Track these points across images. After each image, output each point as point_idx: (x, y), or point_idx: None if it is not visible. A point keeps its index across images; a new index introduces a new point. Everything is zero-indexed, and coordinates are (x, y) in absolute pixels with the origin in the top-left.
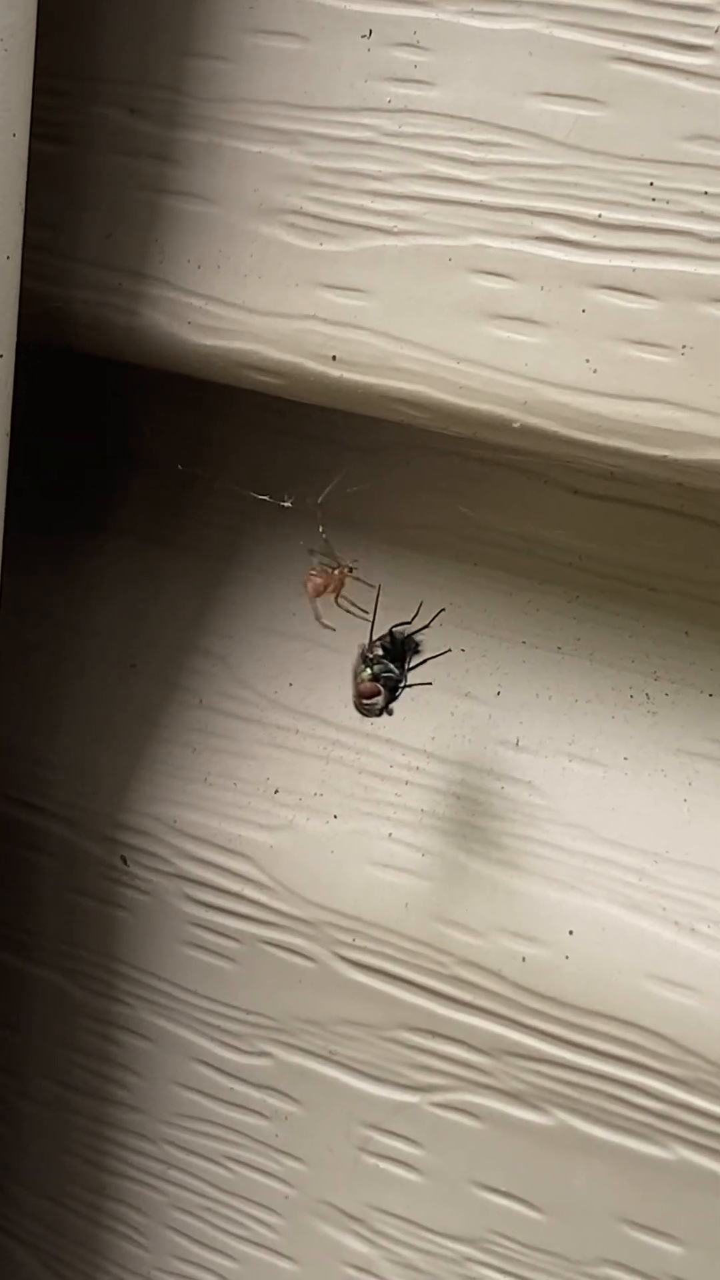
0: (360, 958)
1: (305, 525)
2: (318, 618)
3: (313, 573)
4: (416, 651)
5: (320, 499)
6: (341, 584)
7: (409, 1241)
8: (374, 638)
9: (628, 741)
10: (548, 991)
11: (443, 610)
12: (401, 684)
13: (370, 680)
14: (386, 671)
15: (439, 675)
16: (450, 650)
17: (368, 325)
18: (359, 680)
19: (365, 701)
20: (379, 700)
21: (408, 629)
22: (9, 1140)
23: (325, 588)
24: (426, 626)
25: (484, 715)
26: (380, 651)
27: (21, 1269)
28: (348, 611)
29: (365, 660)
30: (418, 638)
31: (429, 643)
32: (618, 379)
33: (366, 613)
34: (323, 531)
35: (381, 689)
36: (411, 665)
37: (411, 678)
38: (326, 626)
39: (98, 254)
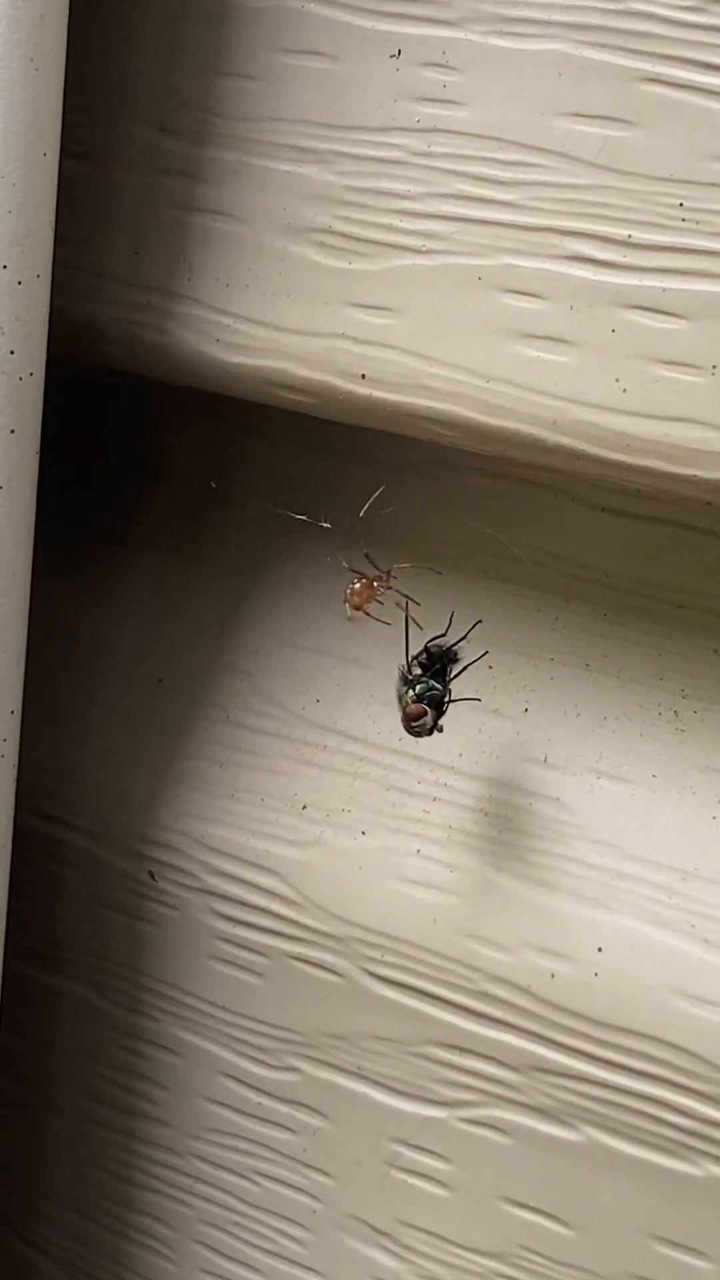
0: (389, 973)
1: (332, 541)
2: (368, 614)
3: (354, 584)
4: (455, 661)
5: (361, 513)
6: (382, 592)
7: (437, 1256)
8: (410, 655)
9: (656, 759)
10: (576, 1008)
11: (479, 623)
12: (447, 699)
13: (415, 701)
14: (430, 690)
15: (467, 691)
16: (488, 652)
17: (397, 344)
18: (404, 703)
19: (414, 724)
20: (427, 720)
21: (444, 642)
22: (37, 1154)
23: (368, 598)
24: (463, 639)
25: (512, 732)
26: (419, 670)
27: None
28: (379, 620)
29: (406, 681)
30: (455, 648)
31: (463, 656)
32: (647, 398)
33: (399, 624)
34: (364, 548)
35: (428, 709)
36: (452, 676)
37: (457, 692)
38: (380, 620)
39: (126, 272)
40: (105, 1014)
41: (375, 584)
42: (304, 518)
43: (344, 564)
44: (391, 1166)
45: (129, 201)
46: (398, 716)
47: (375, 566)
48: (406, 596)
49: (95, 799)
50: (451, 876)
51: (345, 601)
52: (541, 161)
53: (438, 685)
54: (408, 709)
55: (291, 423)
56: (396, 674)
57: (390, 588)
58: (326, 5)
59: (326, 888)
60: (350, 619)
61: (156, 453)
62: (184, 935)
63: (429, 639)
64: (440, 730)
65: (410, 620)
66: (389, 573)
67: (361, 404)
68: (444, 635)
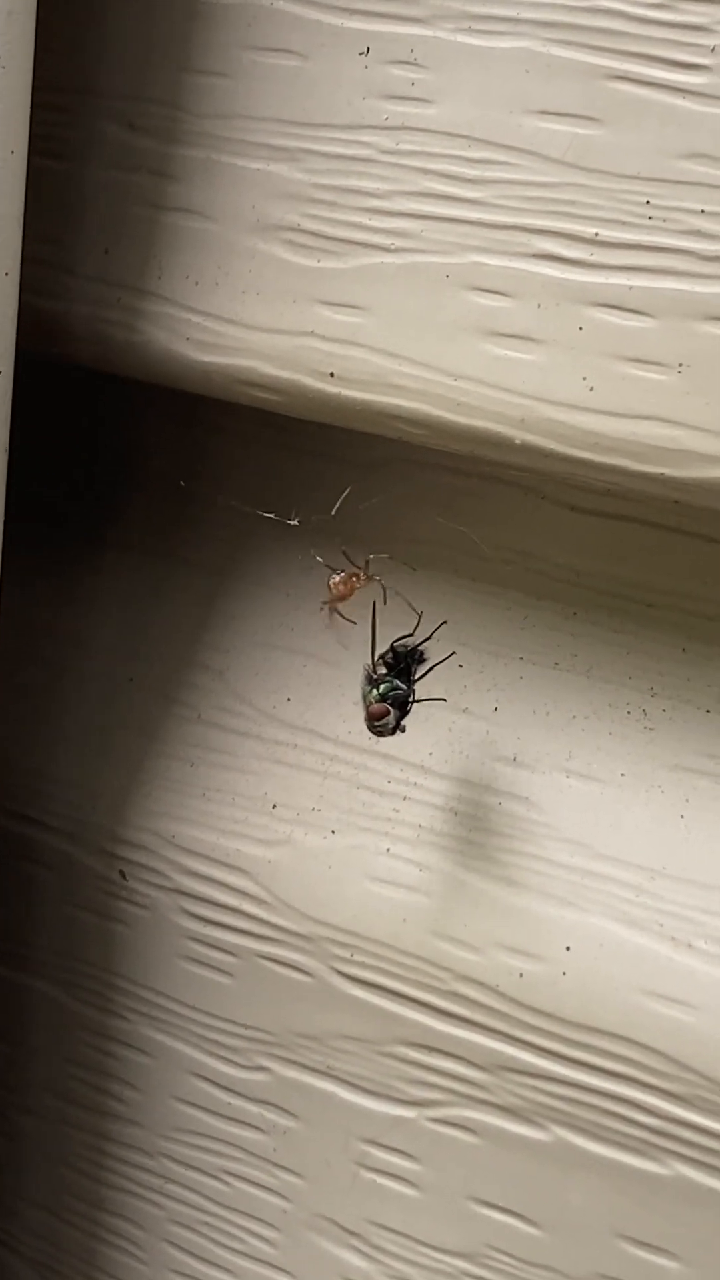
0: (358, 973)
1: (303, 540)
2: (340, 615)
3: (336, 579)
4: (421, 661)
5: (333, 512)
6: (360, 585)
7: (406, 1256)
8: (376, 655)
9: (625, 758)
10: (545, 1007)
11: (444, 623)
12: (411, 699)
13: (378, 700)
14: (394, 689)
15: (436, 690)
16: (455, 653)
17: (365, 342)
18: (368, 702)
19: (376, 724)
20: (389, 720)
21: (410, 641)
22: (7, 1154)
23: (347, 595)
24: (428, 639)
25: (481, 731)
26: (384, 669)
27: None
28: (346, 620)
29: (371, 681)
30: (421, 648)
31: (430, 656)
32: (615, 397)
33: (364, 624)
34: (340, 545)
35: (391, 709)
36: (417, 677)
37: (422, 693)
38: (348, 620)
39: (96, 270)
40: (76, 1013)
41: (354, 579)
42: (272, 516)
43: (318, 559)
44: (361, 1166)
45: (99, 199)
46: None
47: (351, 563)
48: (384, 586)
49: (67, 798)
50: (421, 876)
51: (326, 600)
52: (509, 159)
53: (402, 685)
54: (370, 708)
55: (264, 422)
56: (362, 673)
57: (371, 578)
58: (296, 3)
59: (296, 887)
60: (326, 617)
61: (130, 452)
62: (155, 935)
63: (395, 639)
64: (403, 730)
65: (377, 619)
66: (366, 564)
67: (330, 402)
68: (410, 635)
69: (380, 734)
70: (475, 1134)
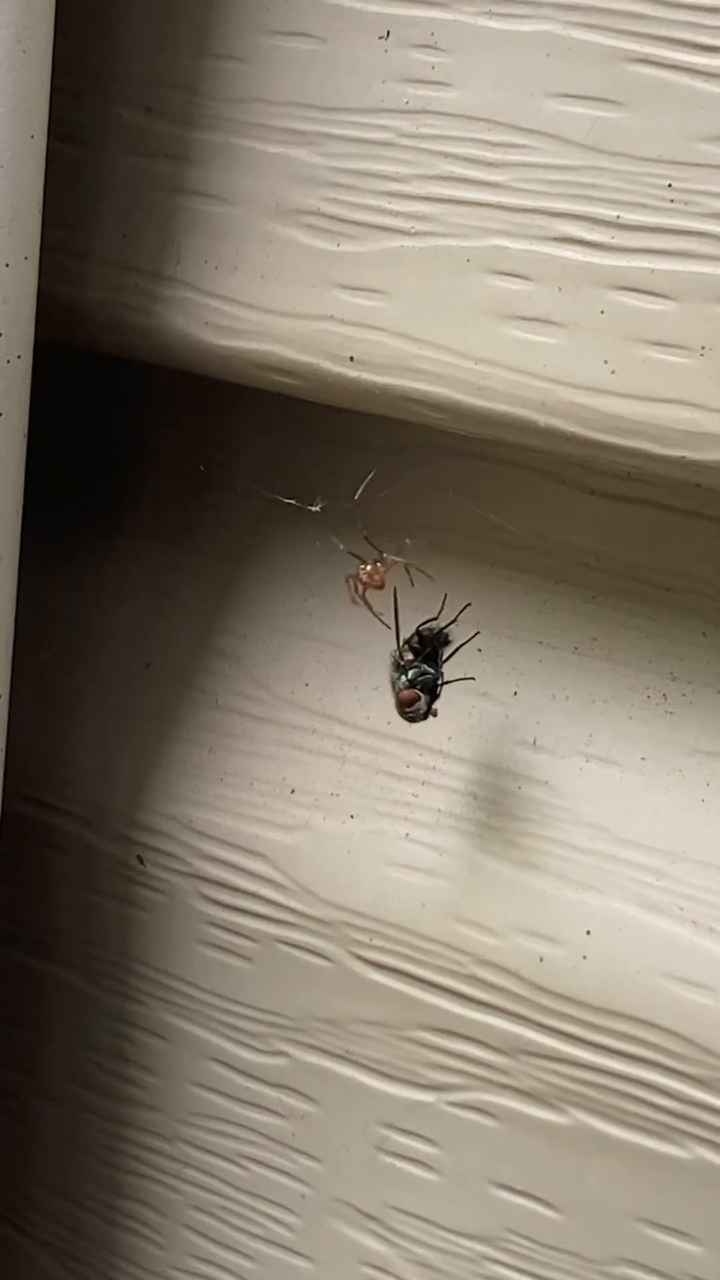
0: (377, 957)
1: (321, 525)
2: (368, 605)
3: (366, 570)
4: (446, 644)
5: (356, 497)
6: (386, 571)
7: (425, 1240)
8: (401, 640)
9: (645, 742)
10: (565, 991)
11: (468, 605)
12: (440, 682)
13: (408, 687)
14: (423, 674)
15: (458, 674)
16: (480, 633)
17: (385, 326)
18: (397, 689)
19: (409, 710)
20: (421, 705)
21: (435, 625)
22: (26, 1139)
23: (379, 584)
24: (453, 622)
25: (501, 715)
26: (410, 655)
27: (38, 1268)
28: (377, 616)
29: (399, 667)
30: (446, 631)
31: (455, 638)
32: (636, 380)
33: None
34: (363, 531)
35: (421, 694)
36: (444, 659)
37: (450, 674)
38: (378, 616)
39: (114, 254)
40: (94, 999)
41: (379, 566)
42: (294, 502)
43: (340, 547)
44: (380, 1150)
45: (117, 184)
46: (387, 700)
47: (375, 548)
48: (410, 569)
49: (84, 784)
50: (440, 860)
51: (352, 586)
52: (530, 143)
53: (430, 669)
54: (401, 694)
55: (282, 407)
56: (389, 660)
57: (398, 561)
58: None
59: (315, 872)
60: (353, 597)
61: (146, 438)
62: (173, 920)
63: (420, 623)
64: (434, 714)
65: (399, 604)
66: (384, 556)
67: (350, 386)
68: (435, 619)
69: (413, 719)
70: (494, 1118)
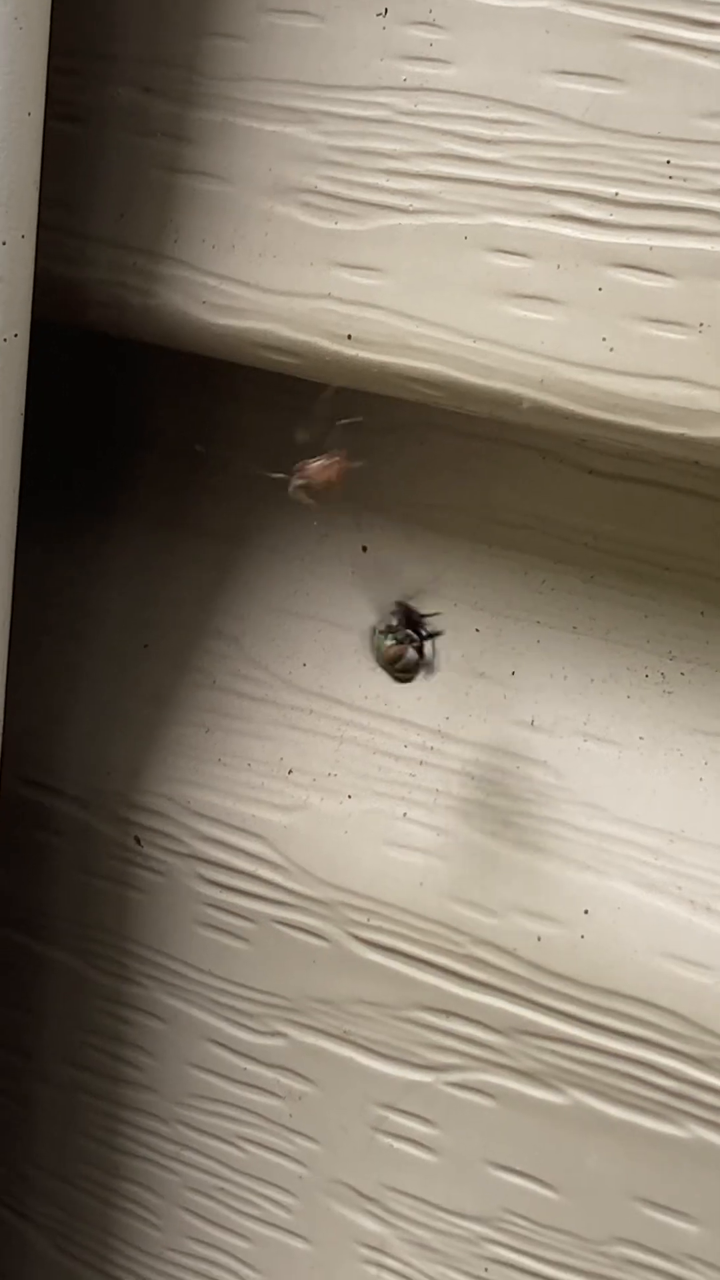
0: (375, 937)
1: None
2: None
3: (315, 465)
4: (424, 624)
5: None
6: (340, 475)
7: (423, 1221)
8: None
9: (643, 721)
10: (563, 971)
11: (439, 614)
12: (425, 633)
13: (394, 645)
14: (405, 634)
15: (454, 655)
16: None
17: (383, 304)
18: (383, 652)
19: (396, 666)
20: (409, 655)
21: (416, 606)
22: (22, 1121)
23: (335, 482)
24: (436, 614)
25: (499, 695)
26: (394, 622)
27: (34, 1251)
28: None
29: (380, 633)
30: (426, 618)
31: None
32: (635, 357)
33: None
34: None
35: (407, 647)
36: (426, 614)
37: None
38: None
39: (112, 233)
40: (91, 980)
41: (334, 462)
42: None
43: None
44: (377, 1131)
45: (115, 163)
46: (385, 680)
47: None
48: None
49: (81, 765)
50: (438, 840)
51: (298, 479)
52: (529, 120)
53: (413, 633)
54: (387, 653)
55: (280, 386)
56: (370, 634)
57: (348, 462)
58: None
59: (313, 852)
60: (303, 500)
61: (143, 420)
62: (170, 901)
63: (398, 599)
64: (427, 666)
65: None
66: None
67: (348, 364)
68: (412, 598)
69: (406, 675)
70: (492, 1098)
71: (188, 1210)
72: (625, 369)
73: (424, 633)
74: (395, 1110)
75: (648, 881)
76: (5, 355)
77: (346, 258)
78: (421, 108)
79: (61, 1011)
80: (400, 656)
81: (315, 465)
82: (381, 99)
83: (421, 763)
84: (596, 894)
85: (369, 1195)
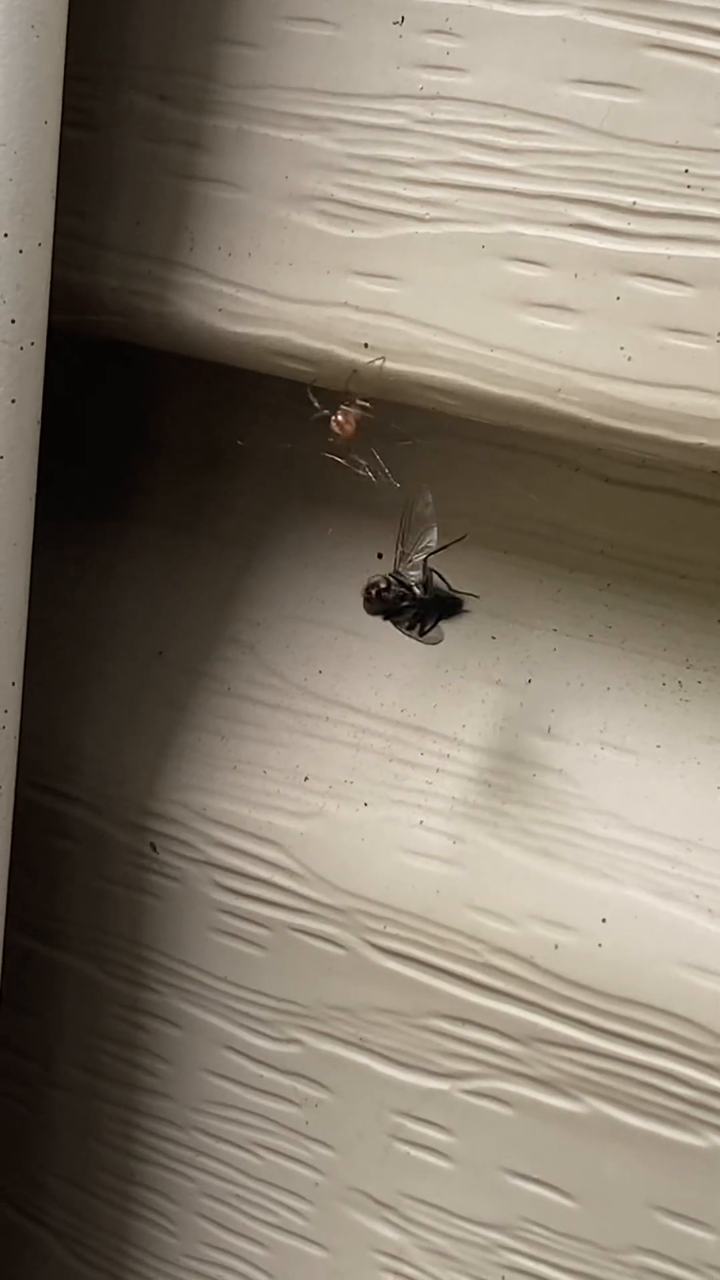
0: (391, 945)
1: (333, 512)
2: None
3: (339, 418)
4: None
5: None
6: (357, 424)
7: (440, 1228)
8: (398, 555)
9: (660, 729)
10: (580, 979)
11: (465, 536)
12: (417, 591)
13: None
14: (405, 590)
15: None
16: (466, 536)
17: (400, 313)
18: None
19: (369, 593)
20: (378, 587)
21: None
22: (38, 1128)
23: (353, 433)
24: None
25: (515, 703)
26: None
27: (50, 1256)
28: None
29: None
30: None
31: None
32: (652, 366)
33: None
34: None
35: (385, 585)
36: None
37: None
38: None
39: (128, 241)
40: (106, 987)
41: (351, 413)
42: (342, 462)
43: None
44: (394, 1139)
45: (130, 170)
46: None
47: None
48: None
49: (96, 771)
50: (454, 848)
51: (336, 431)
52: (546, 129)
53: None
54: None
55: (295, 395)
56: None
57: (361, 405)
58: None
59: (329, 859)
60: (342, 450)
61: (157, 425)
62: (185, 907)
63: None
64: (406, 624)
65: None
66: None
67: (364, 373)
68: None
69: (370, 606)
70: (509, 1106)
71: (203, 1217)
72: (643, 378)
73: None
74: (412, 1118)
75: (665, 890)
76: (22, 363)
77: (363, 266)
78: (438, 116)
79: (77, 1017)
80: (375, 583)
81: (337, 420)
82: (398, 107)
83: (438, 770)
84: (613, 902)
85: (386, 1203)
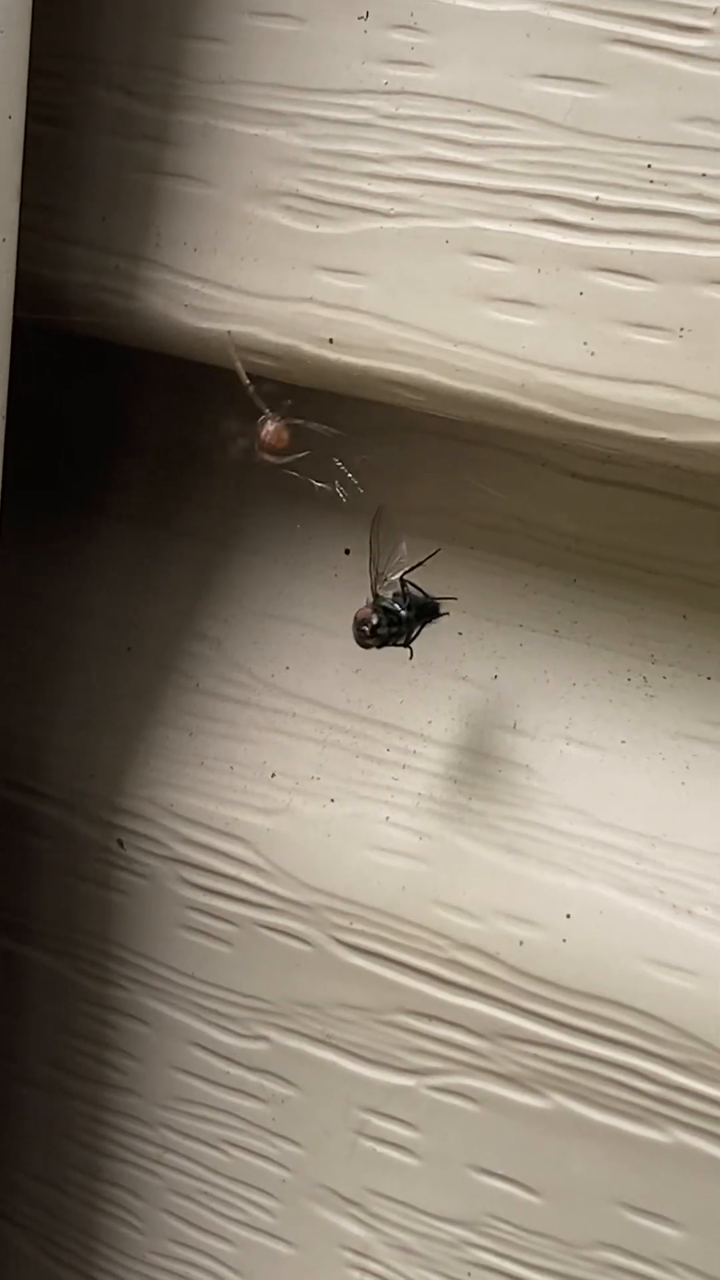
0: (357, 941)
1: (302, 508)
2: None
3: (270, 429)
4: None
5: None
6: (288, 435)
7: (406, 1225)
8: (377, 572)
9: (625, 725)
10: (545, 975)
11: (438, 550)
12: (404, 611)
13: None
14: (391, 612)
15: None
16: (440, 550)
17: (365, 308)
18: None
19: (360, 627)
20: (373, 621)
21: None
22: (5, 1125)
23: (284, 444)
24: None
25: (481, 699)
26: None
27: (18, 1254)
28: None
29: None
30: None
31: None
32: (615, 362)
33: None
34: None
35: (377, 617)
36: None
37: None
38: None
39: (94, 237)
40: (74, 983)
41: (282, 426)
42: (314, 482)
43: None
44: (360, 1135)
45: (96, 166)
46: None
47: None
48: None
49: (65, 768)
50: (421, 844)
51: (262, 447)
52: (510, 124)
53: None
54: (358, 613)
55: (262, 391)
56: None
57: (290, 420)
58: None
59: (295, 856)
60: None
61: (127, 421)
62: (153, 904)
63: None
64: (399, 643)
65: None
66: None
67: (329, 368)
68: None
69: (363, 640)
70: (475, 1102)
71: (171, 1214)
72: (606, 373)
73: (406, 613)
74: (378, 1114)
75: (629, 886)
76: None
77: (328, 261)
78: (403, 111)
79: (44, 1014)
80: (365, 620)
81: (266, 431)
82: (363, 102)
83: (404, 766)
84: (578, 898)
85: (352, 1199)
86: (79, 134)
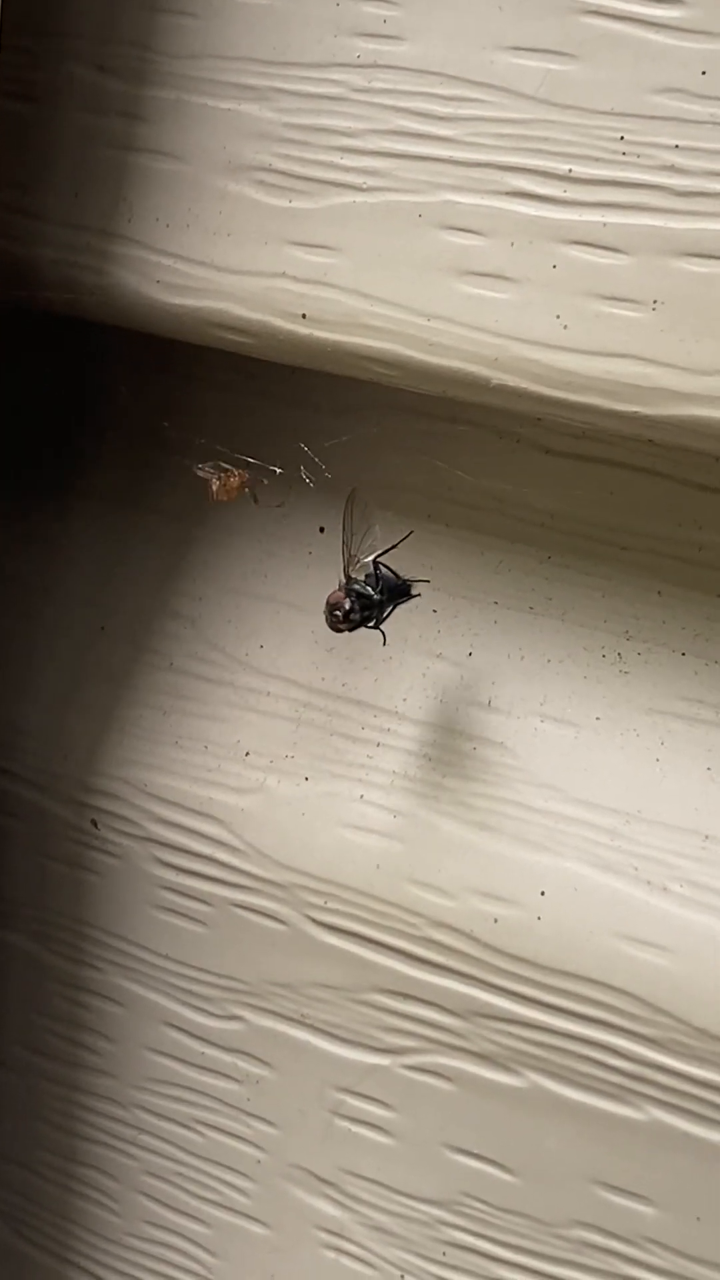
0: (331, 920)
1: (273, 487)
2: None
3: (217, 484)
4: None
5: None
6: (239, 487)
7: (381, 1204)
8: (349, 555)
9: (600, 701)
10: (519, 952)
11: (410, 533)
12: (377, 597)
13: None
14: (364, 595)
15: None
16: (413, 532)
17: (337, 283)
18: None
19: (335, 612)
20: (345, 606)
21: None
22: None
23: (230, 488)
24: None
25: (456, 676)
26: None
27: None
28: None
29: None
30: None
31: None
32: (588, 335)
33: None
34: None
35: (351, 600)
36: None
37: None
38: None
39: (65, 213)
40: (47, 964)
41: (232, 480)
42: (255, 461)
43: (199, 470)
44: (335, 1115)
45: (67, 142)
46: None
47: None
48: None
49: (38, 748)
50: (395, 822)
51: (214, 493)
52: (482, 96)
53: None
54: (330, 596)
55: (235, 367)
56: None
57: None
58: None
59: (270, 835)
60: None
61: (100, 400)
62: (127, 884)
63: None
64: (371, 625)
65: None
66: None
67: (302, 344)
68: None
69: (335, 625)
70: (450, 1081)
71: (146, 1195)
72: (579, 347)
73: (378, 595)
74: (353, 1094)
75: (604, 863)
76: None
77: (301, 236)
78: (375, 84)
79: (18, 995)
80: (338, 605)
81: (224, 476)
82: (335, 76)
83: (379, 744)
84: (553, 875)
85: (327, 1179)
86: (50, 110)
